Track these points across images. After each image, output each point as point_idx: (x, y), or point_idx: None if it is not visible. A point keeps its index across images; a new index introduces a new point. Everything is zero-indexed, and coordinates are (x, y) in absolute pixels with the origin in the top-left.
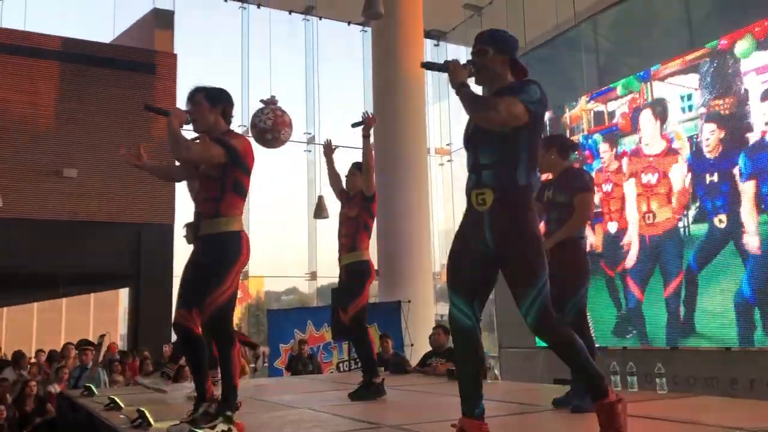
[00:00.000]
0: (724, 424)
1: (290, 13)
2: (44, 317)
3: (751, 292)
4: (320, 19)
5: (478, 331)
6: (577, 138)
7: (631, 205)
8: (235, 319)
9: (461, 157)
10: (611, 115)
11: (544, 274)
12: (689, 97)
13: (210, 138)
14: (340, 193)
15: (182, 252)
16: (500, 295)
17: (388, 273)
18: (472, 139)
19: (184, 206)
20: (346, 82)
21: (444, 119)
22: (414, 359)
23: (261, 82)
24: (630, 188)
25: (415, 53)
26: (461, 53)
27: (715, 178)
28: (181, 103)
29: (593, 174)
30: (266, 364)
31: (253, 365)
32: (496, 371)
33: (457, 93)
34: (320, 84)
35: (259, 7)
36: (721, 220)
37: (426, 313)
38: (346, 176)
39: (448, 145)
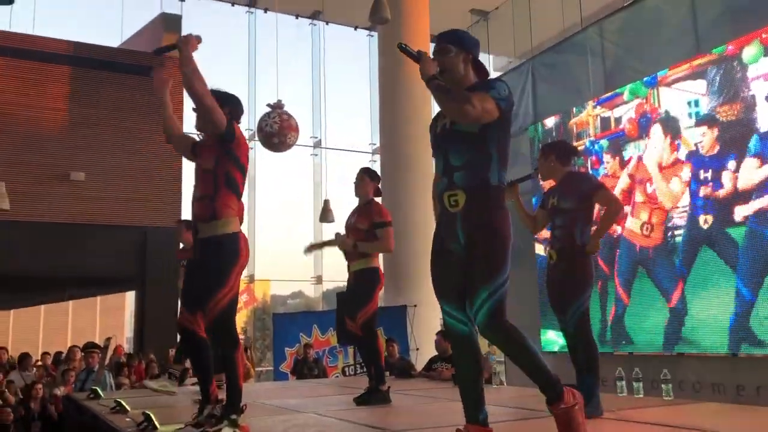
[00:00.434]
0: None
1: (297, 18)
2: (51, 320)
3: (742, 304)
4: (327, 23)
5: (474, 335)
6: (584, 143)
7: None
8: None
9: None
10: (618, 120)
11: (504, 275)
12: (696, 103)
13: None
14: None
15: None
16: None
17: (394, 277)
18: (441, 141)
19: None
20: (353, 87)
21: None
22: (419, 364)
23: (268, 86)
24: (632, 194)
25: None
26: None
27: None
28: (187, 105)
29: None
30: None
31: None
32: (502, 377)
33: (428, 84)
34: (327, 88)
35: (266, 12)
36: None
37: (432, 317)
38: (354, 182)
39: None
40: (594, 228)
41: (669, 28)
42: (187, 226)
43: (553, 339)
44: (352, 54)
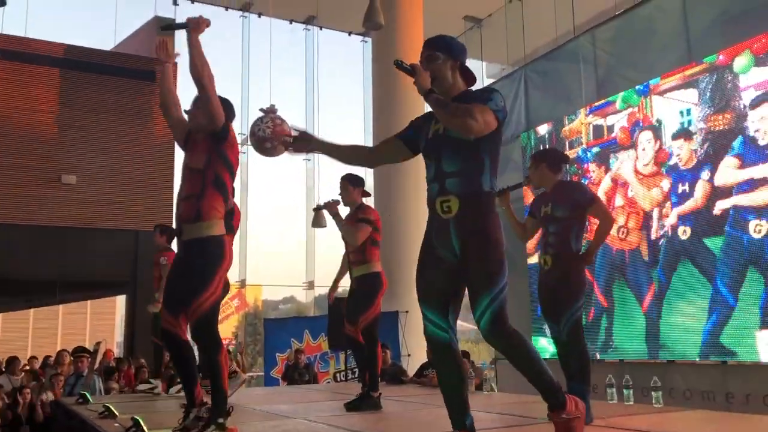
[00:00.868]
0: None
1: (291, 23)
2: (40, 323)
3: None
4: (321, 28)
5: (454, 342)
6: (576, 151)
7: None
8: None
9: None
10: (610, 129)
11: (502, 280)
12: (688, 112)
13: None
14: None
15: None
16: None
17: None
18: (433, 147)
19: None
20: (346, 92)
21: None
22: (410, 370)
23: (261, 90)
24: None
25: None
26: None
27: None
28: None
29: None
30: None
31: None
32: (493, 383)
33: (426, 99)
34: (320, 93)
35: (260, 16)
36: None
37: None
38: (339, 194)
39: None
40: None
41: (661, 37)
42: (161, 231)
43: (544, 346)
44: (346, 59)
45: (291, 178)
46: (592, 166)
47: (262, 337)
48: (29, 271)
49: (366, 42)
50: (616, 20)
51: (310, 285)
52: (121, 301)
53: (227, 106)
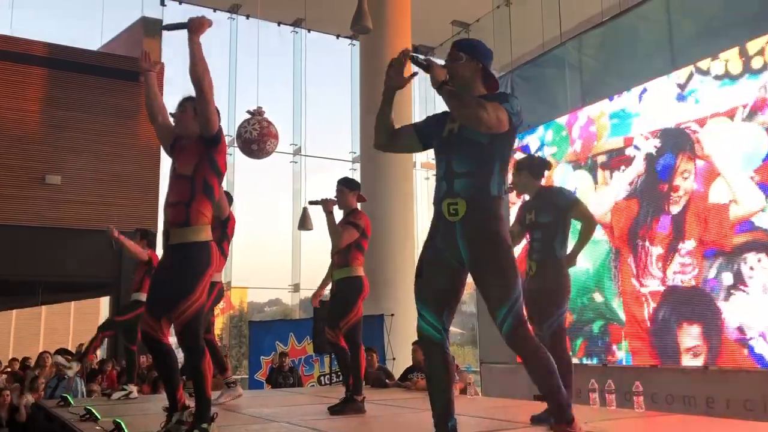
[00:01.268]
0: None
1: (279, 25)
2: (23, 325)
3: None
4: (309, 31)
5: (446, 343)
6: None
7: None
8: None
9: None
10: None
11: (518, 284)
12: (670, 118)
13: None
14: None
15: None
16: (483, 309)
17: (372, 286)
18: (445, 146)
19: None
20: (334, 95)
21: None
22: (396, 373)
23: (248, 92)
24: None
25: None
26: None
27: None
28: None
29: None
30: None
31: None
32: (477, 387)
33: (439, 91)
34: (307, 96)
35: (248, 18)
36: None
37: (409, 326)
38: (335, 197)
39: (433, 159)
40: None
41: (645, 44)
42: (141, 235)
43: None
44: (334, 62)
45: (277, 180)
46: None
47: (247, 340)
48: (12, 271)
49: (354, 45)
50: (602, 27)
51: (296, 288)
52: (105, 302)
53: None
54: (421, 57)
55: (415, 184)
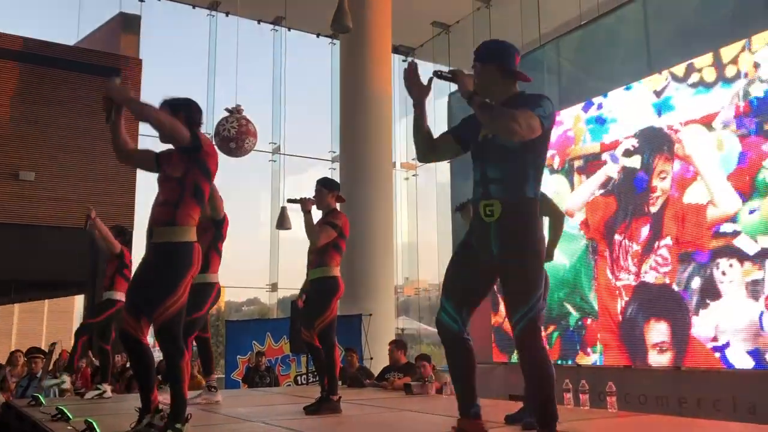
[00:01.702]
0: None
1: (259, 23)
2: None
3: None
4: (289, 29)
5: (465, 333)
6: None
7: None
8: None
9: (426, 172)
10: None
11: (540, 290)
12: (645, 122)
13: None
14: None
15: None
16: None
17: (350, 286)
18: (480, 151)
19: (145, 212)
20: (313, 94)
21: (410, 133)
22: (374, 373)
23: (227, 90)
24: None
25: (383, 67)
26: (428, 69)
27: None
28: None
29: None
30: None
31: None
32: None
33: (470, 103)
34: (287, 94)
35: (227, 15)
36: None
37: (387, 326)
38: (314, 197)
39: (413, 159)
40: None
41: (622, 48)
42: (116, 232)
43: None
44: (314, 61)
45: (256, 179)
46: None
47: (224, 339)
48: None
49: (334, 44)
50: (580, 30)
51: (274, 287)
52: (79, 301)
53: (191, 108)
54: (445, 72)
55: (395, 184)
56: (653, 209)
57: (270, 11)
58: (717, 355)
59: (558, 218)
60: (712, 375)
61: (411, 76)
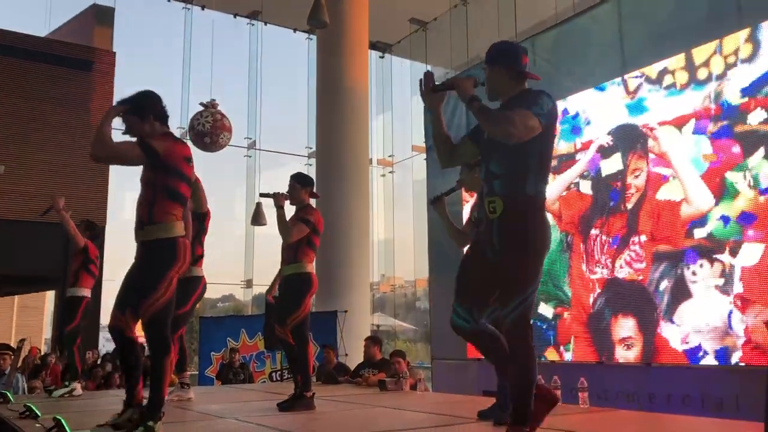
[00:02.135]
0: None
1: (235, 17)
2: None
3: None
4: (265, 24)
5: (480, 325)
6: None
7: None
8: None
9: (403, 169)
10: None
11: (534, 285)
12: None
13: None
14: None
15: (113, 254)
16: (435, 305)
17: (326, 282)
18: (485, 149)
19: (117, 207)
20: (290, 89)
21: (387, 130)
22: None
23: (202, 84)
24: None
25: (360, 64)
26: (406, 66)
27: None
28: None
29: None
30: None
31: None
32: (428, 383)
33: (469, 107)
34: (263, 89)
35: (203, 9)
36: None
37: (362, 323)
38: (287, 192)
39: (390, 156)
40: None
41: (597, 47)
42: (85, 226)
43: None
44: (290, 56)
45: (231, 174)
46: None
47: (198, 335)
48: None
49: (311, 39)
50: (555, 29)
51: (249, 283)
52: (50, 296)
53: (146, 104)
54: (439, 84)
55: (371, 180)
56: (629, 206)
57: (246, 5)
58: (685, 351)
59: None
60: (681, 371)
61: (428, 84)
